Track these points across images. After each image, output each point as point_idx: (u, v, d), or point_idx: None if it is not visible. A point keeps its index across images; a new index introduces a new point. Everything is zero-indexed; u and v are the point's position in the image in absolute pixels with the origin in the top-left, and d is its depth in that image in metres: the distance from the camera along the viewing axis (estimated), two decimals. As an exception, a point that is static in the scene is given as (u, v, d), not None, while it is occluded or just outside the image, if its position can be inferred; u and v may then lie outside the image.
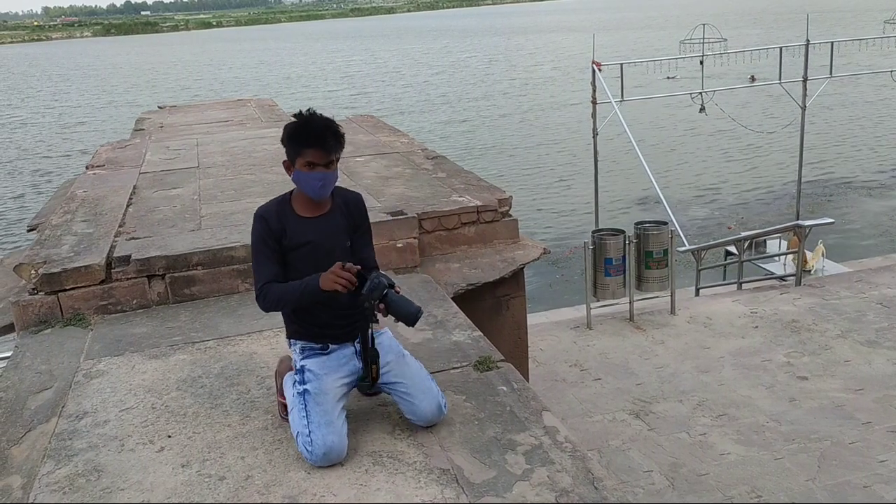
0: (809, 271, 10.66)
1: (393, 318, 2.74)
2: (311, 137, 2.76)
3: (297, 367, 2.87)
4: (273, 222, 2.83)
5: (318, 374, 2.81)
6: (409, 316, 2.71)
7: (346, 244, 2.93)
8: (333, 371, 2.83)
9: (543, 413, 2.93)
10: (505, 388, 3.12)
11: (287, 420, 2.92)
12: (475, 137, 27.94)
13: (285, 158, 2.85)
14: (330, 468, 2.65)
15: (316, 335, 2.88)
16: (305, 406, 2.73)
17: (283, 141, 2.83)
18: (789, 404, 5.49)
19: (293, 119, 2.82)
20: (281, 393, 3.02)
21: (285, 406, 2.95)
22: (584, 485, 2.47)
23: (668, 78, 26.91)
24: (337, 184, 2.94)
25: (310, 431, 2.66)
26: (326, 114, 2.86)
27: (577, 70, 39.88)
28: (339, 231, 2.91)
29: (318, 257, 2.81)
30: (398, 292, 2.74)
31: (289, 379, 2.95)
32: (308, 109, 2.82)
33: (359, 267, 2.73)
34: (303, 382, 2.80)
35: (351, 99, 39.76)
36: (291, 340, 2.95)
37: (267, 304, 2.83)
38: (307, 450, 2.66)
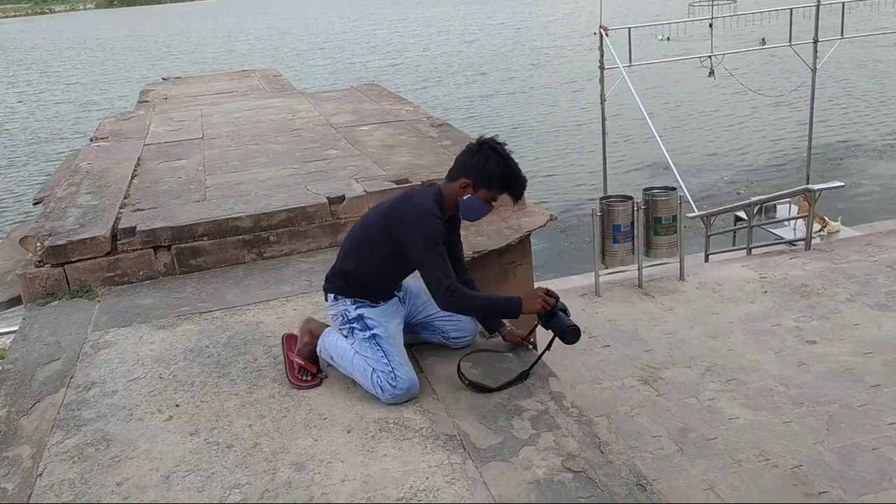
0: (825, 232, 10.61)
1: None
2: (519, 191, 2.98)
3: (353, 315, 2.97)
4: (442, 222, 2.93)
5: (380, 320, 2.96)
6: (562, 331, 2.89)
7: None
8: (391, 318, 3.00)
9: (550, 378, 2.93)
10: (511, 355, 3.11)
11: (297, 383, 3.00)
12: (519, 114, 27.24)
13: (466, 180, 2.90)
14: (338, 434, 2.66)
15: (374, 298, 3.02)
16: (381, 347, 2.89)
17: (477, 168, 2.88)
18: (798, 368, 5.47)
19: (494, 150, 2.89)
20: (298, 354, 3.08)
21: (299, 366, 3.03)
22: (590, 449, 2.47)
23: (665, 39, 26.50)
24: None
25: (393, 369, 2.82)
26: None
27: (586, 37, 39.19)
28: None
29: None
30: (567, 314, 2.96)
31: (332, 333, 3.07)
32: (501, 146, 2.91)
33: (557, 295, 2.96)
34: (368, 328, 2.94)
35: (381, 70, 38.82)
36: (341, 297, 3.02)
37: (455, 305, 2.90)
38: (390, 384, 2.80)
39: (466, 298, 2.88)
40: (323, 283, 3.15)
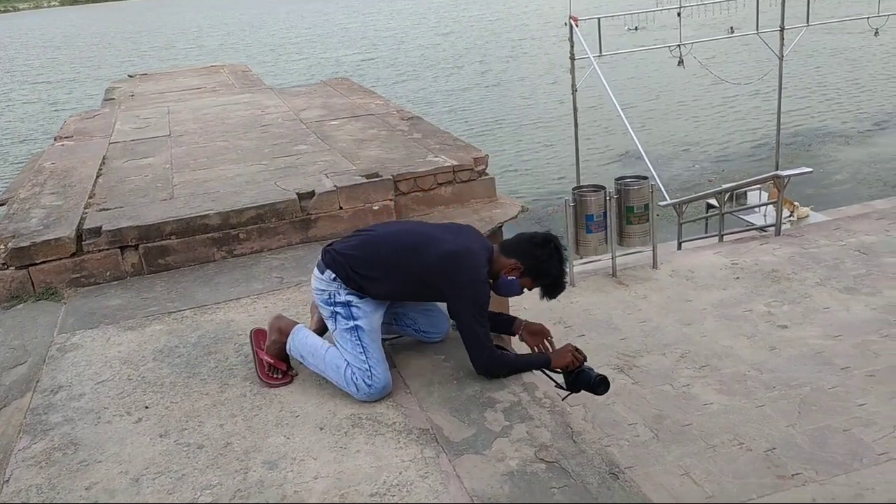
0: (794, 217, 10.73)
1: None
2: (556, 296, 3.08)
3: (341, 300, 2.90)
4: (489, 288, 2.97)
5: (366, 310, 2.90)
6: (591, 384, 2.93)
7: None
8: (375, 309, 2.94)
9: (522, 369, 2.92)
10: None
11: (268, 381, 2.97)
12: (495, 106, 27.02)
13: (519, 264, 2.95)
14: (310, 431, 2.64)
15: (368, 293, 2.95)
16: (361, 341, 2.86)
17: (535, 261, 2.95)
18: (770, 353, 5.53)
19: (557, 251, 2.98)
20: (267, 352, 3.03)
21: (269, 364, 3.00)
22: (562, 439, 2.48)
23: (634, 29, 26.61)
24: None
25: (370, 367, 2.81)
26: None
27: (558, 27, 39.13)
28: None
29: None
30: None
31: (302, 331, 3.03)
32: (563, 249, 3.02)
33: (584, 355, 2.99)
34: (352, 318, 2.88)
35: (357, 65, 38.19)
36: (339, 280, 2.91)
37: (493, 371, 2.91)
38: (366, 383, 2.79)
39: (504, 362, 2.92)
40: (320, 257, 3.02)
